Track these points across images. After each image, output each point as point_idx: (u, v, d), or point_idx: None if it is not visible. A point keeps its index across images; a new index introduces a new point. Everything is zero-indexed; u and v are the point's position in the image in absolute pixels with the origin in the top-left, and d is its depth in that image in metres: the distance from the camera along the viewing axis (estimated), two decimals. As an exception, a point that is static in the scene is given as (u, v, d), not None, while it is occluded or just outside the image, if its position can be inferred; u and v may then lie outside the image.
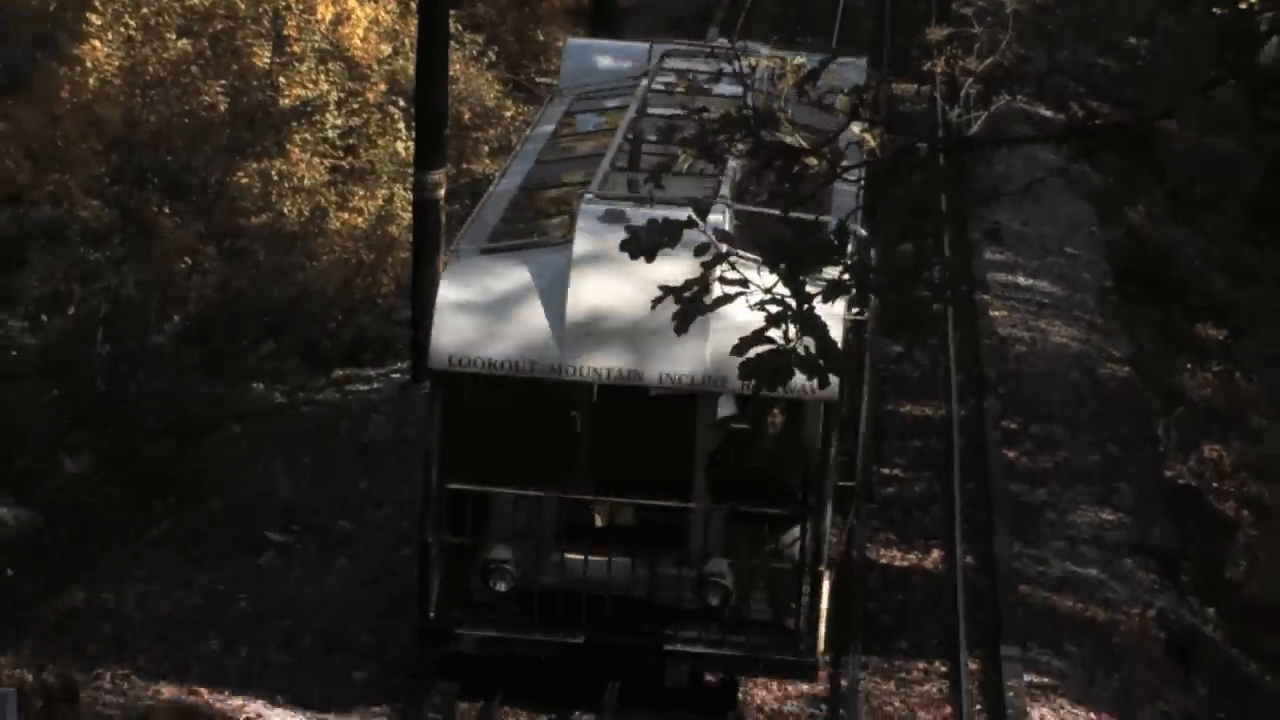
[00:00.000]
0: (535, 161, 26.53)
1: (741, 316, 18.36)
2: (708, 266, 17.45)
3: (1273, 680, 26.42)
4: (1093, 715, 24.54)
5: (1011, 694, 24.44)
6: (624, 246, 16.58)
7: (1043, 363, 35.79)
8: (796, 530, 21.60)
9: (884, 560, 28.12)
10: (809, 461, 21.64)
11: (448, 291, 21.99)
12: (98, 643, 23.85)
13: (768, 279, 16.41)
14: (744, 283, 16.88)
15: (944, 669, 25.32)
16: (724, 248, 17.51)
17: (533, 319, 21.53)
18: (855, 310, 22.23)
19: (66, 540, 25.63)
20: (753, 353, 16.17)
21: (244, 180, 34.91)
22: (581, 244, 21.82)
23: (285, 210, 34.77)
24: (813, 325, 15.75)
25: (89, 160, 32.59)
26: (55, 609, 24.41)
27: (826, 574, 21.64)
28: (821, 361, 15.59)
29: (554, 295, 21.61)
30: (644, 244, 16.25)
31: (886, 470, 30.83)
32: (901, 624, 26.53)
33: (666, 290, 17.22)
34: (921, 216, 16.95)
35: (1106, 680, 25.54)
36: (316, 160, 35.70)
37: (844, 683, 24.32)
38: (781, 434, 21.91)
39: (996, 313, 37.57)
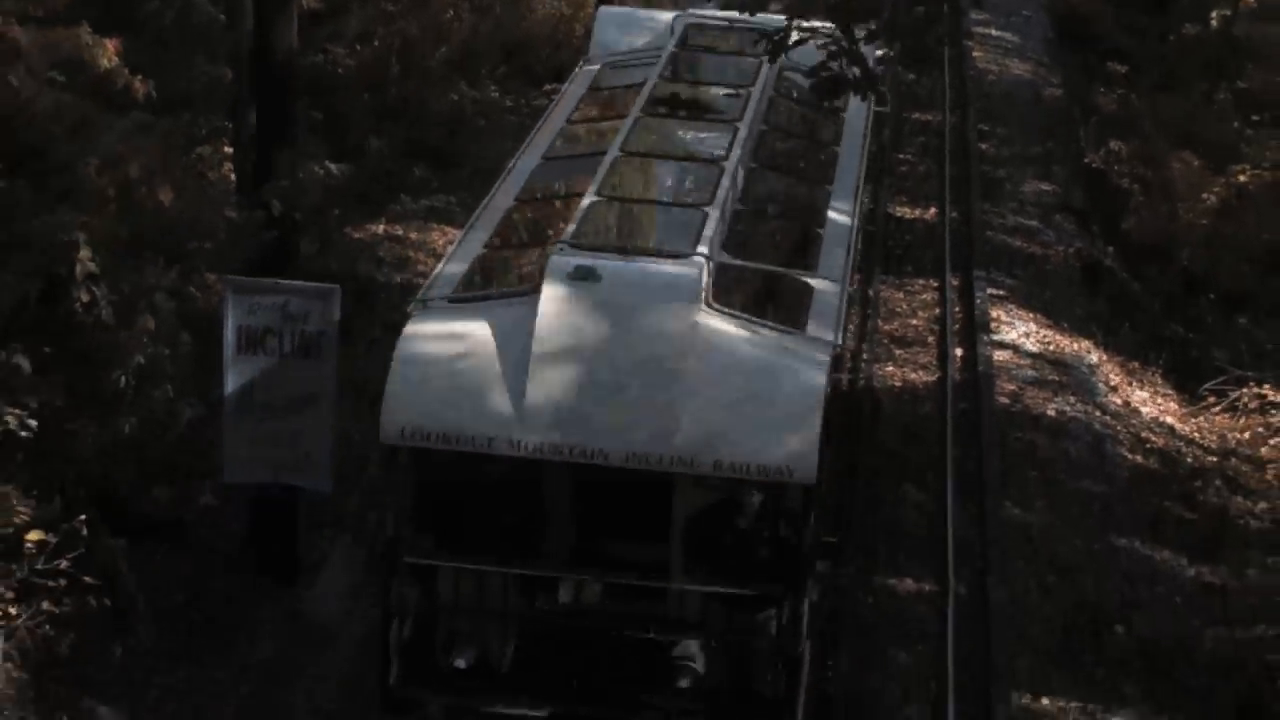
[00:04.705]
0: (541, 159, 17.33)
1: (711, 395, 13.17)
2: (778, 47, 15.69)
3: (1145, 293, 26.28)
4: (1031, 314, 24.48)
5: (979, 300, 24.36)
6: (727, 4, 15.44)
7: (1006, 87, 35.38)
8: (774, 609, 13.48)
9: (897, 214, 27.96)
10: (787, 542, 13.49)
11: (404, 354, 13.49)
12: (391, 256, 23.99)
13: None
14: (814, 30, 16.27)
15: (935, 284, 25.24)
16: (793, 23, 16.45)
17: (492, 389, 13.23)
18: (884, 51, 17.39)
19: (374, 192, 25.64)
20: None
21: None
22: (547, 306, 13.35)
23: (514, -20, 34.44)
24: (858, 58, 15.30)
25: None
26: (366, 233, 24.52)
27: (805, 650, 13.77)
28: (865, 81, 15.24)
29: (516, 362, 13.26)
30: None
31: (900, 156, 30.59)
32: (908, 255, 26.43)
33: (762, 35, 16.42)
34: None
35: (1041, 293, 25.44)
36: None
37: (870, 291, 24.31)
38: (761, 514, 13.69)
39: (977, 54, 37.07)
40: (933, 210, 28.19)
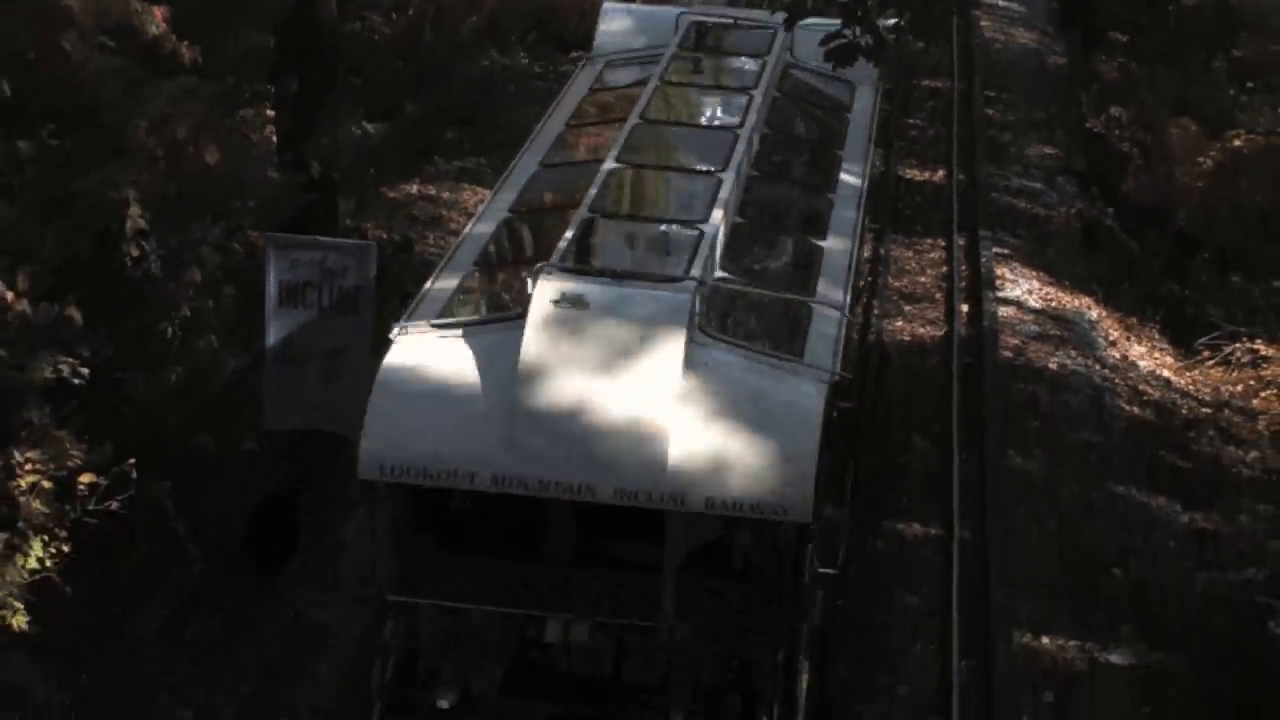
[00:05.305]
0: (538, 165, 16.06)
1: (702, 428, 11.90)
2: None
3: (1143, 252, 26.22)
4: (1034, 272, 24.46)
5: (984, 259, 24.36)
6: None
7: (1012, 55, 35.31)
8: (769, 648, 12.43)
9: (907, 177, 27.93)
10: (783, 580, 12.29)
11: (385, 384, 12.26)
12: (424, 216, 24.02)
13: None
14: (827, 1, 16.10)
15: (942, 243, 25.23)
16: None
17: (475, 421, 11.98)
18: (895, 20, 16.34)
19: (408, 154, 25.64)
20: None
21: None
22: (533, 334, 12.05)
23: (542, -47, 34.33)
24: (871, 25, 15.12)
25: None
26: (400, 193, 24.54)
27: (803, 686, 12.71)
28: (877, 49, 15.10)
29: (500, 393, 12.02)
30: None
31: (910, 120, 30.52)
32: (917, 215, 26.42)
33: (778, 5, 16.13)
34: (940, -41, 16.16)
35: (1043, 253, 25.41)
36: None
37: (880, 250, 24.30)
38: (755, 551, 12.63)
39: (984, 24, 36.99)
40: (941, 173, 28.15)
